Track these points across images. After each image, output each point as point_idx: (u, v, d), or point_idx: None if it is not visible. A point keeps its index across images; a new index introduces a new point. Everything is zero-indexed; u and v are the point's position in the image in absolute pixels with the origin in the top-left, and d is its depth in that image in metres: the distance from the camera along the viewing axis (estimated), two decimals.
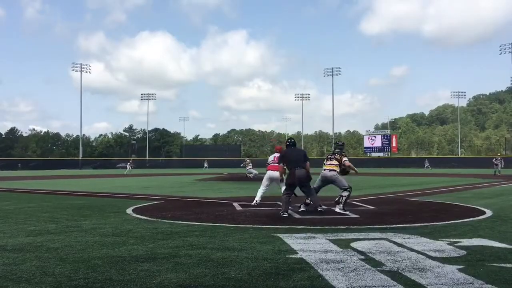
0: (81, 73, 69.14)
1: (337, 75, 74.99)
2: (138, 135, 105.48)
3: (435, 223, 6.72)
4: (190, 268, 3.93)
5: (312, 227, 6.35)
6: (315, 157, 65.23)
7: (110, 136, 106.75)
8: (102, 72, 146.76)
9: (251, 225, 6.53)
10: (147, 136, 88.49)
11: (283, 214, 7.62)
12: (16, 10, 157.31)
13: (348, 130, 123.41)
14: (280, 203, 8.05)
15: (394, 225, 6.51)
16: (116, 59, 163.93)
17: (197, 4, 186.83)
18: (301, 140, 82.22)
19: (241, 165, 24.66)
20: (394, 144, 70.25)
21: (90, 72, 72.31)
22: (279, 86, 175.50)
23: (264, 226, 6.43)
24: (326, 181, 8.38)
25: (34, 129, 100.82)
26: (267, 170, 9.56)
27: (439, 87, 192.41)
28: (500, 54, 64.15)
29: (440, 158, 69.72)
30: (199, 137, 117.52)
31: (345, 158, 8.45)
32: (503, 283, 3.42)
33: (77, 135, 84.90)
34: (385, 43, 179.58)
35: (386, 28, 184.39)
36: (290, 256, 4.40)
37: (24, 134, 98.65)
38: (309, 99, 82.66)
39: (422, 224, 6.63)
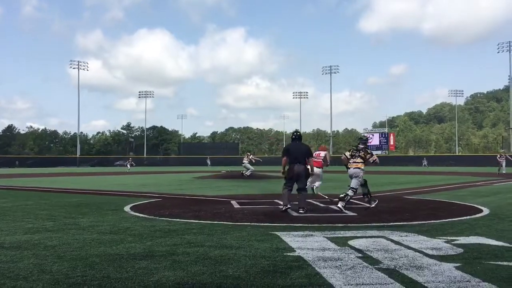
0: (78, 70, 68.91)
1: (335, 73, 75.13)
2: (136, 133, 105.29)
3: (432, 221, 6.74)
4: (188, 266, 3.93)
5: (309, 225, 6.36)
6: None
7: (108, 134, 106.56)
8: (100, 69, 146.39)
9: (249, 223, 6.53)
10: (145, 134, 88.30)
11: (284, 208, 7.71)
12: (13, 7, 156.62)
13: (346, 128, 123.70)
14: (278, 201, 8.07)
15: (391, 223, 6.53)
16: (114, 56, 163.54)
17: (196, 1, 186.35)
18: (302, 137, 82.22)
19: (247, 161, 24.22)
20: (391, 142, 70.41)
21: (87, 70, 72.11)
22: (278, 84, 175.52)
23: (262, 224, 6.44)
24: (352, 177, 8.52)
25: (31, 127, 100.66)
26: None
27: (437, 86, 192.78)
28: (498, 52, 64.21)
29: (438, 156, 69.93)
30: (197, 135, 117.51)
31: (371, 155, 8.55)
32: (500, 281, 3.44)
33: (75, 133, 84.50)
34: (383, 42, 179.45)
35: (385, 27, 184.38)
36: (288, 254, 4.40)
37: (22, 132, 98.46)
38: (307, 97, 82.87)
39: (420, 222, 6.65)
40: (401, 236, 5.40)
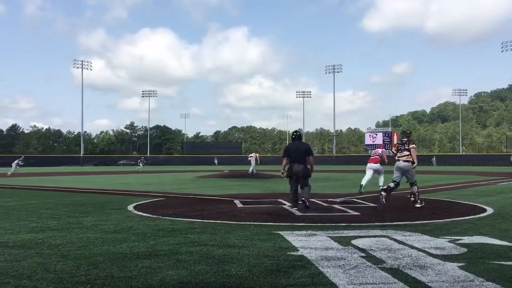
0: (82, 70, 69.25)
1: (338, 72, 75.07)
2: (139, 132, 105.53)
3: (435, 220, 6.72)
4: (191, 265, 3.94)
5: (313, 224, 6.36)
6: (316, 154, 65.20)
7: (111, 133, 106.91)
8: (103, 69, 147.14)
9: (252, 222, 6.54)
10: (148, 133, 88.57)
11: (292, 208, 7.95)
12: (17, 6, 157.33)
13: (349, 128, 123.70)
14: (281, 201, 8.09)
15: (394, 223, 6.51)
16: (117, 56, 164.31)
17: (198, 0, 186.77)
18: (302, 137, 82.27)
19: (253, 160, 24.83)
20: (395, 142, 70.12)
21: (91, 69, 72.46)
22: (281, 83, 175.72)
23: (265, 223, 6.44)
24: (402, 171, 8.63)
25: (35, 126, 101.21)
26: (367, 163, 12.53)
27: (441, 85, 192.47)
28: (502, 51, 64.24)
29: (441, 155, 69.70)
30: (200, 134, 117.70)
31: (412, 146, 8.69)
32: (504, 280, 3.42)
33: (78, 132, 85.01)
34: (386, 40, 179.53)
35: (388, 25, 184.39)
36: (291, 253, 4.40)
37: (26, 131, 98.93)
38: (310, 97, 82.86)
39: (423, 221, 6.63)
40: (405, 235, 5.39)
